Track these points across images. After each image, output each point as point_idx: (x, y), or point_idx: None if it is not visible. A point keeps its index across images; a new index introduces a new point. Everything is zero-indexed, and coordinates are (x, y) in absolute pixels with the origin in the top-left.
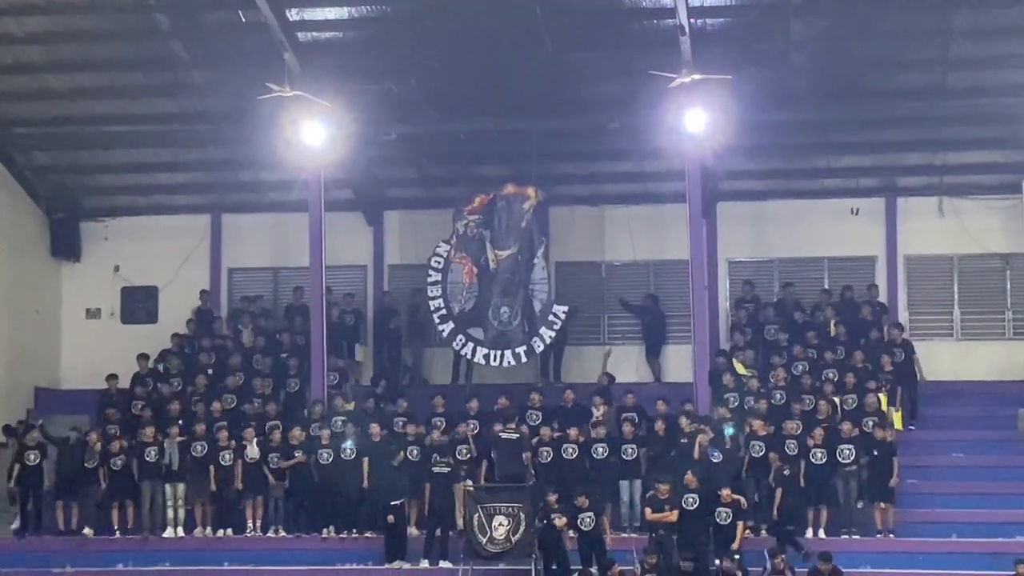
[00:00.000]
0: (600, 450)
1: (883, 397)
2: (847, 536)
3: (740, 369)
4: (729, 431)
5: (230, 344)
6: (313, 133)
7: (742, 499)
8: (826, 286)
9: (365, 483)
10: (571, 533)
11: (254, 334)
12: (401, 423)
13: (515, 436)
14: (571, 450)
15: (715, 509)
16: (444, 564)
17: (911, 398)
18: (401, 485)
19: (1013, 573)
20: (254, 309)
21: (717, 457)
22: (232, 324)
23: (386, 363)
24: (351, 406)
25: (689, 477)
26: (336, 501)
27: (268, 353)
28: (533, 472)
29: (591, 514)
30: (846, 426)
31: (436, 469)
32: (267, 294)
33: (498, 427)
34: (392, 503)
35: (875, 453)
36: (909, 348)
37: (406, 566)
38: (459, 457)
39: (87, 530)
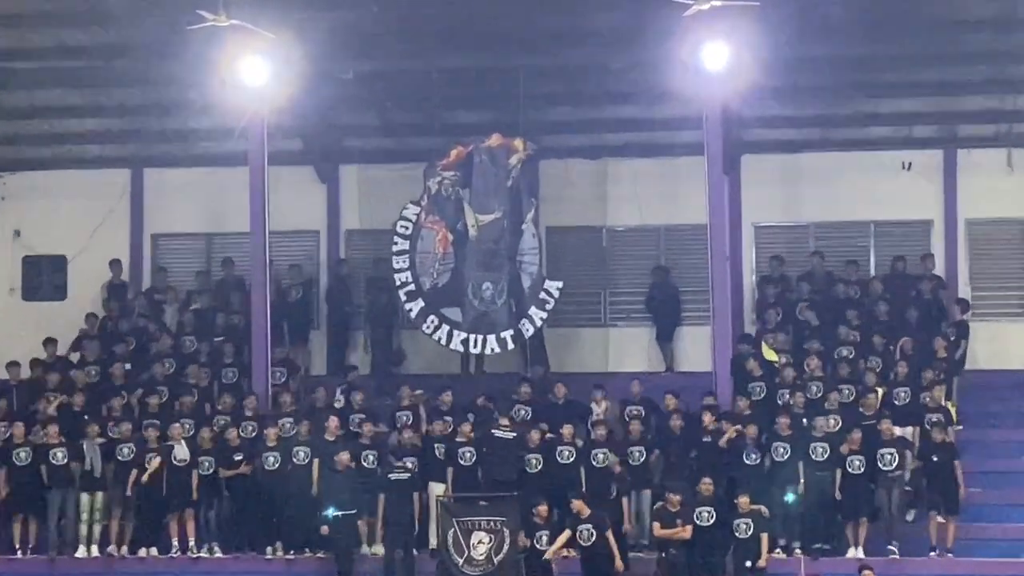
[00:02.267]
0: (601, 456)
1: (941, 390)
2: (895, 555)
3: (770, 355)
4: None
5: (152, 327)
6: (254, 71)
7: (763, 508)
8: (871, 256)
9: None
10: (565, 553)
11: (180, 313)
12: (357, 421)
13: (511, 436)
14: (567, 453)
15: (734, 523)
16: None
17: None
18: (344, 496)
19: None
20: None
21: (755, 459)
22: (147, 300)
23: (371, 348)
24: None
25: (705, 485)
26: (284, 514)
27: (202, 337)
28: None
29: (590, 526)
30: (885, 426)
31: (393, 475)
32: (199, 265)
33: (505, 421)
34: (329, 515)
35: (934, 459)
36: (963, 330)
37: None
38: (437, 457)
39: None
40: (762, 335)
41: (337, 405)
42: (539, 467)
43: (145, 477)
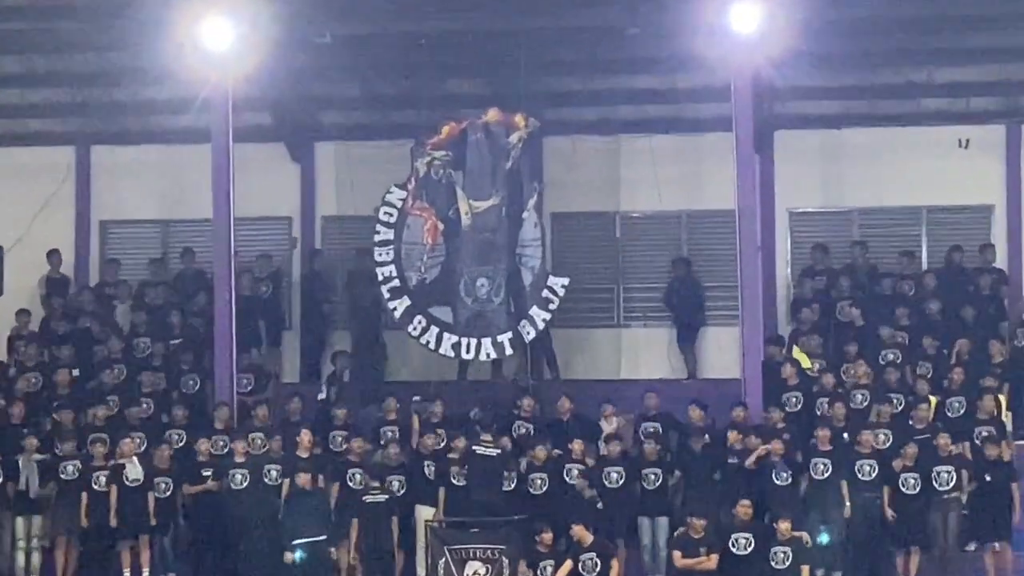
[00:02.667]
0: (615, 475)
1: (1001, 399)
2: None
3: (803, 361)
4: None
5: (97, 328)
6: (217, 34)
7: (805, 535)
8: (923, 247)
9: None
10: None
11: (132, 312)
12: (340, 439)
13: (495, 453)
14: (576, 472)
15: (771, 551)
16: None
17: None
18: (312, 521)
19: None
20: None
21: (785, 478)
22: (94, 297)
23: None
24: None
25: (743, 508)
26: (251, 541)
27: (157, 338)
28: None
29: (593, 555)
30: (942, 440)
31: (368, 498)
32: (153, 255)
33: (487, 437)
34: (296, 541)
35: (987, 478)
36: None
37: None
38: (427, 477)
39: None
40: (796, 337)
41: (320, 397)
42: (544, 488)
43: (193, 491)
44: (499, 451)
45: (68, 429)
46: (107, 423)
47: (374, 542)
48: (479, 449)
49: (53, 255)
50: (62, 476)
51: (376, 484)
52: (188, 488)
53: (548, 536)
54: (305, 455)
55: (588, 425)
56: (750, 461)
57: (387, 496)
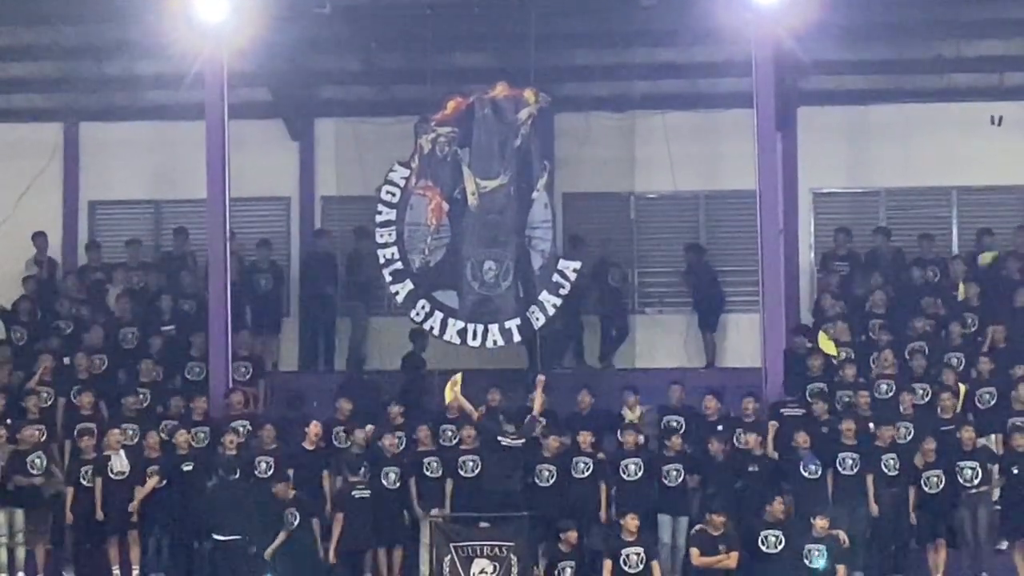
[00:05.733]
0: (632, 467)
1: None
2: None
3: (828, 347)
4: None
5: (85, 312)
6: (211, 5)
7: (842, 534)
8: (953, 229)
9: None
10: None
11: (128, 298)
12: (364, 433)
13: (519, 444)
14: (582, 466)
15: (804, 549)
16: None
17: None
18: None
19: None
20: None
21: (814, 471)
22: (79, 281)
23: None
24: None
25: (778, 504)
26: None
27: (148, 326)
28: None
29: (641, 550)
30: (966, 434)
31: (356, 493)
32: (145, 237)
33: (511, 427)
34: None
35: (1015, 471)
36: None
37: None
38: (428, 474)
39: None
40: (820, 325)
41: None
42: (552, 480)
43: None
44: (523, 442)
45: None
46: (92, 413)
47: (358, 537)
48: (504, 440)
49: (39, 237)
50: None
51: (357, 477)
52: (139, 491)
53: (573, 535)
54: (311, 447)
55: (608, 419)
56: (769, 447)
57: (370, 492)
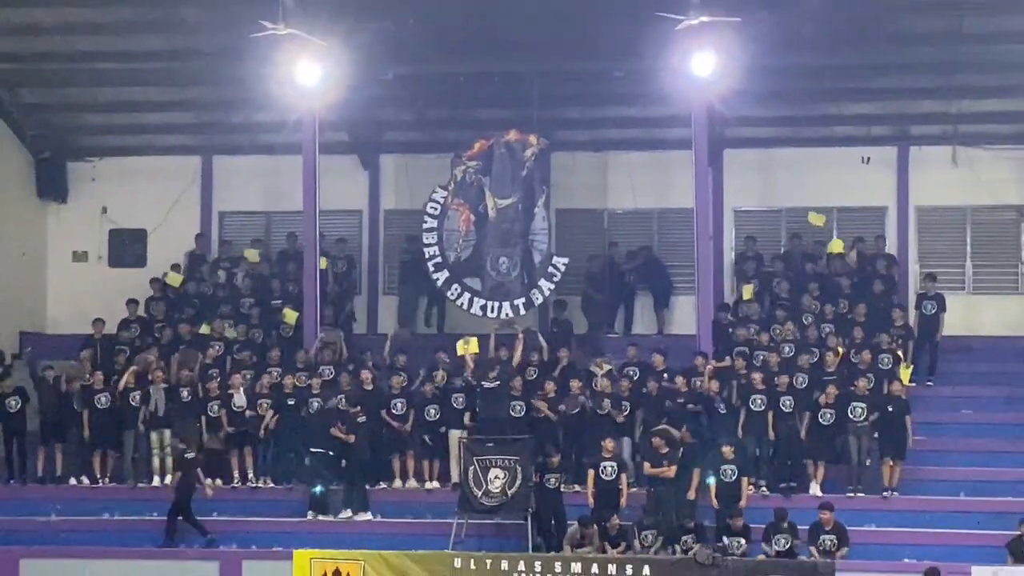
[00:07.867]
0: (605, 403)
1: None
2: (852, 494)
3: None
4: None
5: (216, 291)
6: (308, 72)
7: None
8: (835, 237)
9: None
10: (577, 487)
11: (249, 280)
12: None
13: (496, 384)
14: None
15: (719, 467)
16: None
17: (931, 353)
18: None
19: (1018, 532)
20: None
21: (722, 408)
22: (212, 270)
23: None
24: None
25: (728, 448)
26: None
27: (259, 302)
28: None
29: (614, 464)
30: (861, 383)
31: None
32: (260, 238)
33: (493, 373)
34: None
35: (889, 409)
36: (941, 301)
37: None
38: (454, 406)
39: (73, 480)
40: (738, 305)
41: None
42: (522, 413)
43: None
44: (499, 382)
45: (185, 365)
46: (215, 362)
47: (360, 453)
48: (486, 383)
49: (199, 238)
50: (183, 401)
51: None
52: (261, 410)
53: (556, 459)
54: (369, 388)
55: (581, 374)
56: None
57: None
